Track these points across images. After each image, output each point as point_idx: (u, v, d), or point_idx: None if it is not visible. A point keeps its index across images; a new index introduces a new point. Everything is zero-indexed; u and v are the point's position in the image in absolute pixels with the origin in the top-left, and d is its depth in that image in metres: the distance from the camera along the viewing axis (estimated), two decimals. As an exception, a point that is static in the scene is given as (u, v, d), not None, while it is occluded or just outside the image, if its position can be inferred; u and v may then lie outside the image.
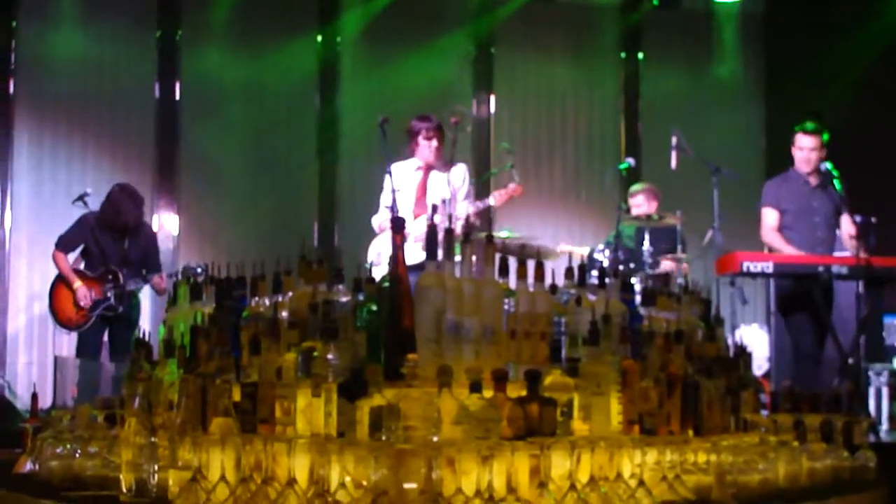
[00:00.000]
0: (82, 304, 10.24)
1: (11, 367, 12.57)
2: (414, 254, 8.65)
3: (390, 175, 9.15)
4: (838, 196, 9.83)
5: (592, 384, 4.34)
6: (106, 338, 10.49)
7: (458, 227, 8.36)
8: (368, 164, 10.18)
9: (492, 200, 9.64)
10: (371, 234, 9.56)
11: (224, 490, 4.06)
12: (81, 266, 10.44)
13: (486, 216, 10.04)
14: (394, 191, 9.01)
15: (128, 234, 10.42)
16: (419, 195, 9.42)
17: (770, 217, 10.01)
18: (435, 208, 8.31)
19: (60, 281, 10.44)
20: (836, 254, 9.90)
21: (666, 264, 10.88)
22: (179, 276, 7.27)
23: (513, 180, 10.23)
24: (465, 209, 9.32)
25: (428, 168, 9.51)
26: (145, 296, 10.87)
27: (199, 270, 9.13)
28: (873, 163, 12.50)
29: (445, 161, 9.48)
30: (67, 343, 11.81)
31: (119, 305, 10.28)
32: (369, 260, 9.23)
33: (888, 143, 12.99)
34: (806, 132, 9.96)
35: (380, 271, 8.16)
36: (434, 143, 9.47)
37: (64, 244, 10.50)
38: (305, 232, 13.43)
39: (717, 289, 9.70)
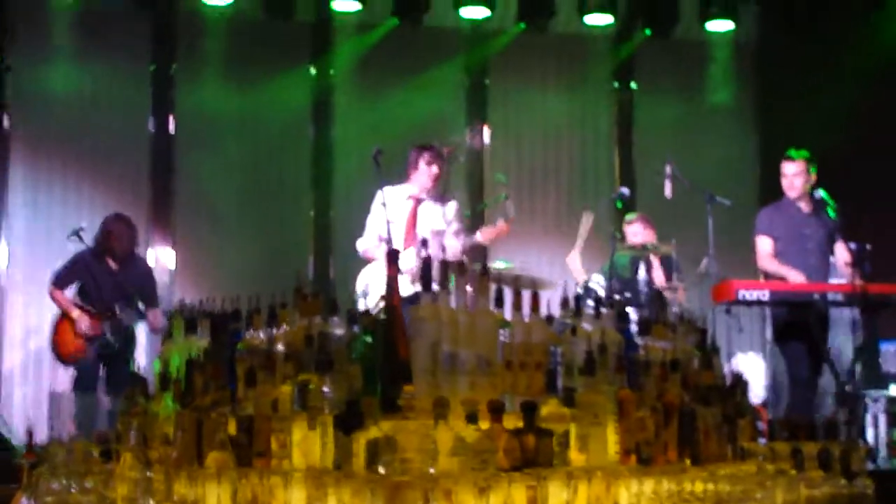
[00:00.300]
0: (83, 329, 10.26)
1: (7, 402, 12.52)
2: (403, 286, 8.67)
3: (382, 195, 9.16)
4: (832, 223, 9.84)
5: (589, 414, 4.34)
6: (102, 372, 10.49)
7: (451, 259, 8.40)
8: (363, 196, 10.18)
9: (479, 237, 9.58)
10: (363, 265, 9.54)
11: (220, 524, 4.06)
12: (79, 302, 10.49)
13: (476, 251, 9.98)
14: (388, 222, 8.99)
15: (121, 262, 10.47)
16: (409, 226, 9.39)
17: (765, 244, 10.02)
18: (425, 241, 8.35)
19: (61, 316, 10.48)
20: (831, 281, 9.90)
21: (669, 294, 10.89)
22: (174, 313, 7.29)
23: (507, 212, 10.24)
24: (454, 244, 9.27)
25: (419, 199, 9.48)
26: (141, 330, 10.85)
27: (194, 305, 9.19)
28: (868, 189, 12.50)
29: (439, 193, 9.49)
30: (63, 378, 11.78)
31: (116, 343, 10.30)
32: (358, 290, 9.18)
33: (882, 169, 13.00)
34: (787, 158, 10.02)
35: (369, 302, 8.15)
36: (434, 169, 9.46)
37: (59, 281, 10.55)
38: (301, 264, 13.43)
39: (713, 317, 9.69)
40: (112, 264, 10.50)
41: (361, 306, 5.81)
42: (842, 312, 9.75)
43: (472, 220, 11.13)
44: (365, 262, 9.51)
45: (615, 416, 4.46)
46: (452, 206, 9.60)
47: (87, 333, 10.29)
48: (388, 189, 9.43)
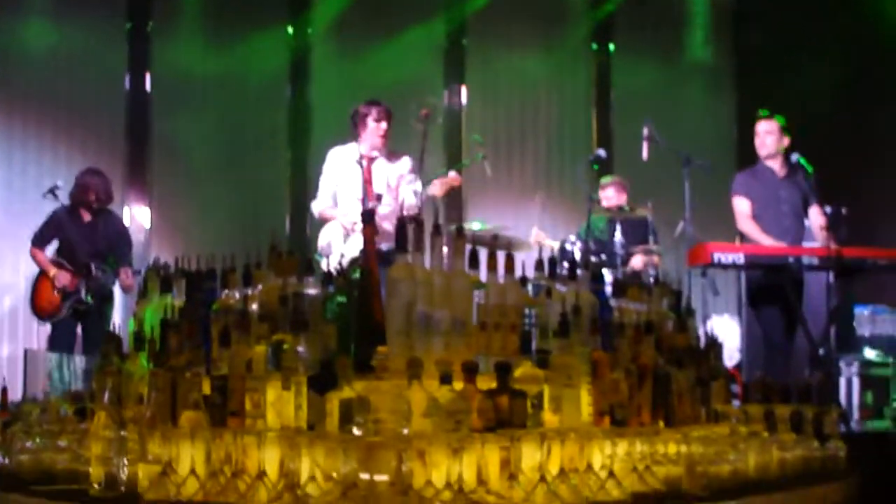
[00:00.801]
0: (58, 285, 10.28)
1: (-19, 360, 12.53)
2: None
3: (361, 165, 9.14)
4: (807, 186, 9.86)
5: (563, 376, 4.35)
6: (79, 331, 10.51)
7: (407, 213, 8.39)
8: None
9: (431, 189, 9.43)
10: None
11: (194, 483, 4.06)
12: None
13: (430, 203, 9.82)
14: (365, 182, 8.99)
15: (96, 216, 10.48)
16: (366, 185, 9.26)
17: (742, 205, 10.04)
18: (380, 197, 8.32)
19: (39, 273, 10.51)
20: (806, 244, 9.92)
21: (637, 258, 10.90)
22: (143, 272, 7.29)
23: (484, 172, 10.23)
24: (411, 198, 9.19)
25: (371, 157, 9.38)
26: (117, 289, 10.83)
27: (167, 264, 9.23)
28: (845, 153, 12.54)
29: (390, 150, 9.40)
30: (38, 336, 11.76)
31: (90, 300, 10.31)
32: (319, 249, 9.17)
33: (860, 132, 13.04)
34: (760, 117, 10.08)
35: (331, 261, 8.12)
36: (384, 125, 9.36)
37: (37, 240, 10.64)
38: (277, 223, 13.42)
39: (688, 280, 9.71)
40: (87, 217, 10.53)
41: (323, 266, 5.80)
42: (817, 276, 9.78)
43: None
44: (322, 222, 9.45)
45: (589, 377, 4.46)
46: (406, 161, 9.49)
47: (63, 289, 10.30)
48: (338, 149, 9.41)
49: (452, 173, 9.68)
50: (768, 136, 10.01)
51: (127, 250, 10.77)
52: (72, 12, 13.23)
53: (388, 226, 7.93)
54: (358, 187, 9.20)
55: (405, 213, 8.57)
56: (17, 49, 13.18)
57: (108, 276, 10.41)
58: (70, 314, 10.38)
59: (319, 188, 9.55)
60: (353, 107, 9.53)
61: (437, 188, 9.42)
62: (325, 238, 9.23)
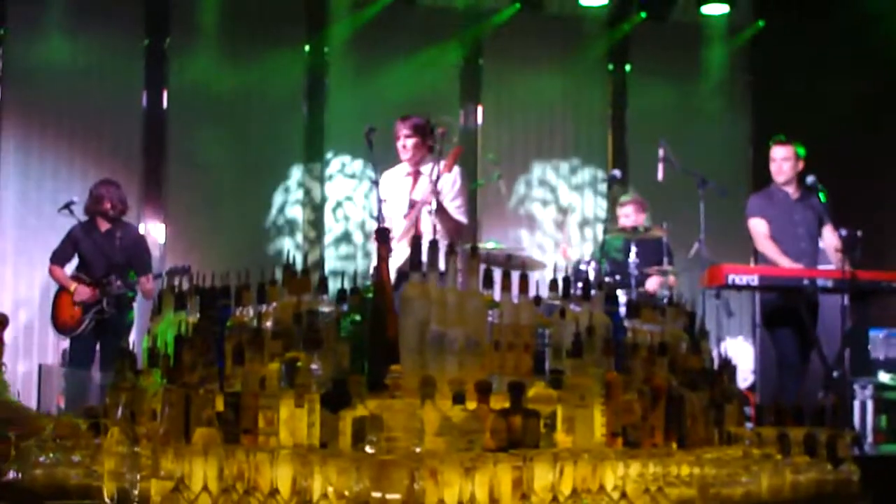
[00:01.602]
0: (77, 299, 10.30)
1: (-4, 375, 12.53)
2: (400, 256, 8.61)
3: (376, 185, 9.07)
4: (821, 208, 9.83)
5: (576, 396, 4.35)
6: (98, 347, 10.54)
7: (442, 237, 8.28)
8: (354, 174, 10.13)
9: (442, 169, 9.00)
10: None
11: (206, 500, 4.06)
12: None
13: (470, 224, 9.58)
14: (380, 200, 8.92)
15: (112, 226, 10.53)
16: (410, 201, 9.11)
17: (760, 226, 10.00)
18: (413, 203, 8.15)
19: (60, 290, 10.53)
20: (820, 267, 9.91)
21: (652, 280, 10.90)
22: (165, 277, 7.28)
23: (500, 191, 10.23)
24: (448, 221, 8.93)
25: (416, 172, 9.26)
26: (137, 305, 10.84)
27: (186, 267, 9.27)
28: (860, 175, 12.54)
29: (435, 160, 9.15)
30: (53, 351, 11.80)
31: (110, 308, 10.33)
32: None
33: (874, 156, 13.03)
34: (776, 143, 10.01)
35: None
36: (410, 142, 9.14)
37: (56, 258, 10.70)
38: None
39: (702, 301, 9.70)
40: (103, 227, 10.57)
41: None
42: (831, 298, 9.76)
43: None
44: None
45: (602, 398, 4.46)
46: (453, 173, 9.17)
47: (84, 301, 10.32)
48: (386, 173, 9.34)
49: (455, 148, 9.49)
50: (785, 162, 9.94)
51: (146, 258, 10.81)
52: (90, 28, 13.28)
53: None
54: (404, 204, 9.11)
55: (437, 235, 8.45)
56: (36, 64, 13.24)
57: (129, 284, 10.44)
58: (91, 328, 10.38)
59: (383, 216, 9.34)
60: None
61: (445, 167, 9.14)
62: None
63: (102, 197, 10.60)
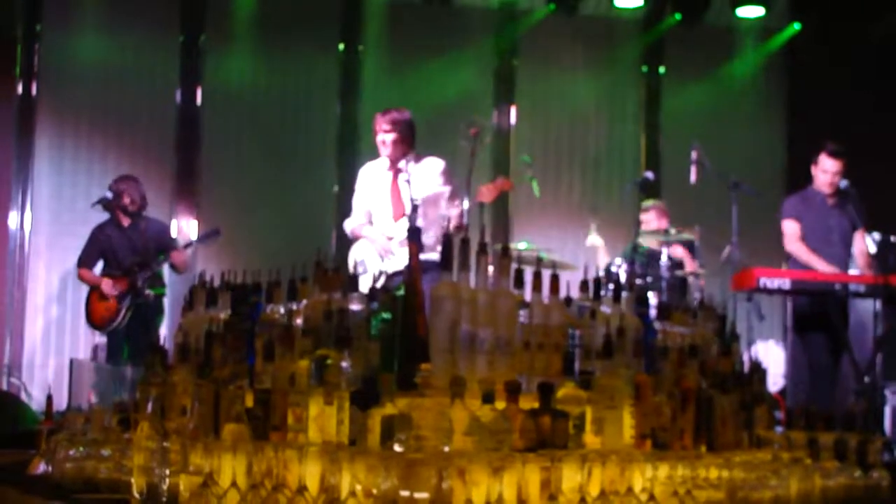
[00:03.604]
0: (106, 292, 10.35)
1: (28, 369, 12.60)
2: (400, 258, 8.60)
3: (362, 173, 9.12)
4: (855, 215, 9.79)
5: (605, 398, 4.34)
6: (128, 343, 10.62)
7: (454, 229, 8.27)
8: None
9: (482, 196, 9.06)
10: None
11: (235, 496, 4.07)
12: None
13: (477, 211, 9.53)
14: (413, 199, 8.91)
15: (135, 220, 10.56)
16: (394, 198, 9.05)
17: (793, 227, 9.97)
18: (416, 208, 8.17)
19: (92, 290, 10.60)
20: (852, 271, 9.88)
21: (688, 262, 10.89)
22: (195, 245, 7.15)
23: (532, 192, 10.22)
24: (453, 212, 8.86)
25: (396, 168, 9.09)
26: (166, 302, 10.89)
27: (217, 230, 9.34)
28: (893, 180, 12.47)
29: (417, 155, 9.06)
30: (84, 345, 11.85)
31: (144, 291, 10.37)
32: (350, 267, 8.78)
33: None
34: (831, 155, 9.90)
35: (364, 280, 7.99)
36: (389, 137, 9.02)
37: (82, 261, 10.80)
38: (324, 239, 13.44)
39: (733, 304, 9.67)
40: (125, 222, 10.60)
41: (361, 283, 5.80)
42: (864, 303, 9.72)
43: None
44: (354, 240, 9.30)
45: (632, 400, 4.45)
46: (430, 163, 9.11)
47: (116, 293, 10.36)
48: (367, 165, 9.33)
49: (501, 178, 9.57)
50: (836, 175, 9.86)
51: (172, 240, 10.88)
52: (125, 25, 13.33)
53: (424, 238, 7.61)
54: (387, 202, 9.08)
55: (444, 224, 8.48)
56: (70, 61, 13.31)
57: (158, 263, 10.47)
58: (129, 319, 10.42)
59: (353, 206, 9.39)
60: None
61: (486, 194, 9.21)
62: (353, 257, 9.02)
63: (122, 192, 10.63)
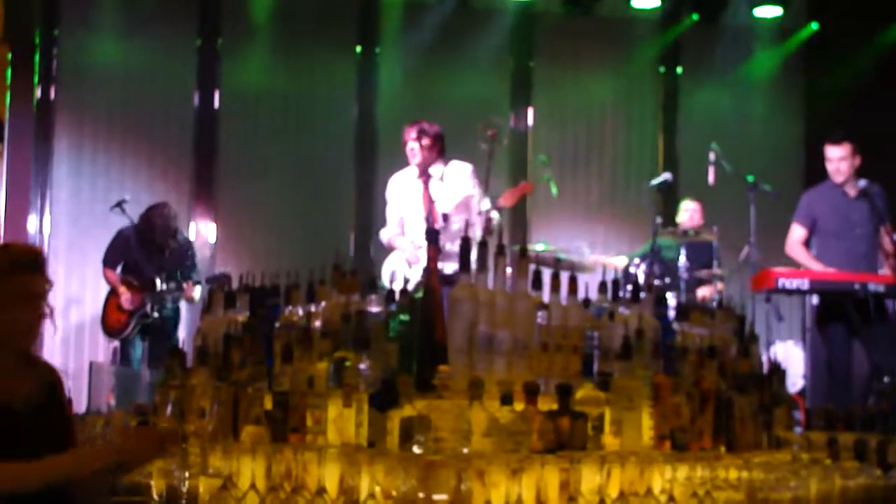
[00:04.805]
0: (125, 307, 10.47)
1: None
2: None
3: (392, 184, 9.15)
4: (882, 209, 9.71)
5: (624, 399, 4.34)
6: (144, 346, 10.71)
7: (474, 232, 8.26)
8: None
9: (502, 201, 9.17)
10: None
11: (254, 498, 4.08)
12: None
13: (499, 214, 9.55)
14: (432, 201, 8.93)
15: (162, 245, 10.67)
16: (426, 205, 9.12)
17: (797, 232, 9.92)
18: (446, 217, 8.19)
19: (111, 293, 10.73)
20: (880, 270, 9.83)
21: (704, 289, 10.86)
22: (204, 286, 7.25)
23: (549, 193, 10.22)
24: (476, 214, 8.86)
25: (425, 175, 9.20)
26: (183, 304, 10.95)
27: (226, 275, 9.39)
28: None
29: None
30: (104, 349, 11.87)
31: (155, 316, 10.50)
32: (384, 279, 8.81)
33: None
34: (831, 142, 9.85)
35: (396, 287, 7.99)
36: (415, 145, 9.13)
37: (108, 261, 10.93)
38: (342, 242, 13.45)
39: (752, 305, 9.64)
40: (153, 246, 10.71)
41: None
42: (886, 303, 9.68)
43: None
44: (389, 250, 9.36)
45: (650, 401, 4.45)
46: (458, 168, 9.21)
47: (129, 308, 10.49)
48: (396, 175, 9.36)
49: (522, 182, 9.58)
50: (842, 162, 9.73)
51: (190, 266, 10.91)
52: (142, 29, 13.34)
53: (450, 247, 7.67)
54: (419, 210, 9.13)
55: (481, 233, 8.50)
56: (88, 64, 13.33)
57: (174, 292, 10.57)
58: (137, 331, 10.57)
59: (387, 217, 9.46)
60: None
61: (507, 199, 9.26)
62: (388, 268, 9.08)
63: (153, 227, 10.76)
